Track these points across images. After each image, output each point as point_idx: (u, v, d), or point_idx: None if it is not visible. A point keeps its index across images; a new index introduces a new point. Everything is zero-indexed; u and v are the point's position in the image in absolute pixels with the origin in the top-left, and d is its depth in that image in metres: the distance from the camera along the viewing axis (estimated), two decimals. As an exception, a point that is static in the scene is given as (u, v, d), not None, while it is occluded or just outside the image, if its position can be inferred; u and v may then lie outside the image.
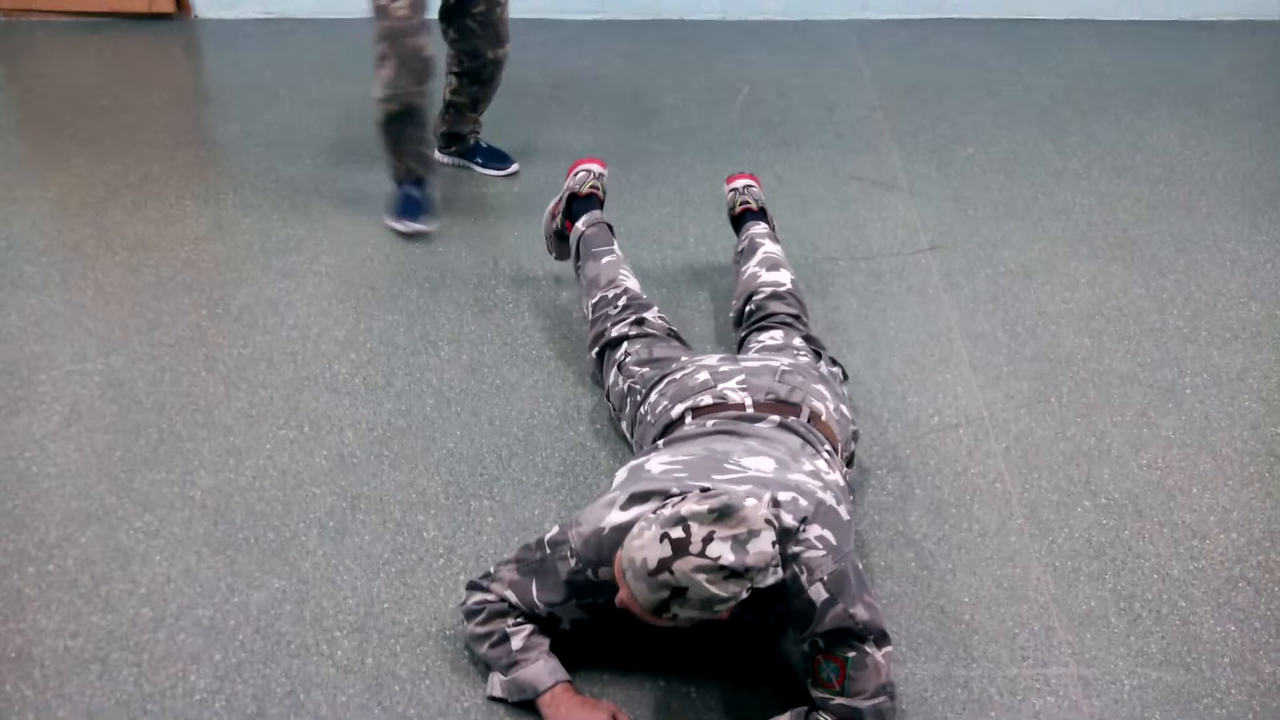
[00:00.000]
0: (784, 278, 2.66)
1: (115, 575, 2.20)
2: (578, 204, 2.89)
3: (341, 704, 1.96)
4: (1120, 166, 3.76)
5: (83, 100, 4.12)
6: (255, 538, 2.29)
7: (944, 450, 2.53)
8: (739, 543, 1.64)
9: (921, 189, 3.60)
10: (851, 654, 1.78)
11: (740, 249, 2.85)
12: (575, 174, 2.97)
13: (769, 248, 2.78)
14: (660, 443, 2.13)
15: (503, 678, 1.93)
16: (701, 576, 1.63)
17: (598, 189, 2.93)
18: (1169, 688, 2.01)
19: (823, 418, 2.16)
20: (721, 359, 2.33)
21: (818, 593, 1.76)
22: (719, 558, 1.63)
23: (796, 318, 2.56)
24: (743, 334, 2.59)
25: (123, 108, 4.06)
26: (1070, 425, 2.61)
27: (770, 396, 2.17)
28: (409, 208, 3.30)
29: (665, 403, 2.26)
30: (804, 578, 1.77)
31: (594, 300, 2.64)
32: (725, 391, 2.19)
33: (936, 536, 2.30)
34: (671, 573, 1.63)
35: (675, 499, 1.75)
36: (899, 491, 2.41)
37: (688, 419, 2.17)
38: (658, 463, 1.99)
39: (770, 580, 1.69)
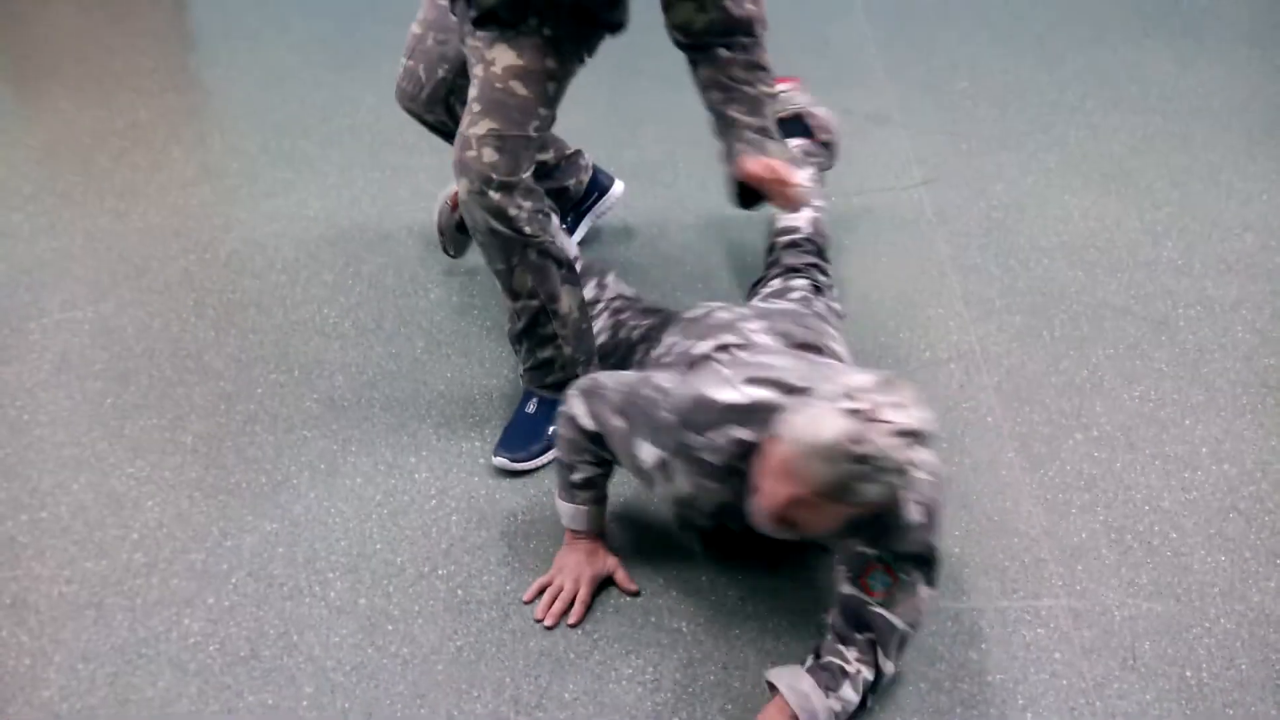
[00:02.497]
0: (802, 219, 2.57)
1: (108, 521, 2.21)
2: None
3: (334, 644, 1.97)
4: (1116, 97, 3.72)
5: (68, 46, 4.07)
6: (247, 482, 2.29)
7: (935, 385, 2.52)
8: (906, 409, 1.58)
9: (915, 122, 3.56)
10: (906, 579, 1.79)
11: None
12: None
13: None
14: (731, 344, 2.03)
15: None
16: (889, 443, 1.55)
17: None
18: (1159, 618, 2.02)
19: (842, 360, 2.13)
20: (724, 306, 2.25)
21: (912, 514, 1.74)
22: (900, 423, 1.56)
23: (811, 265, 2.49)
24: (756, 280, 2.54)
25: (108, 53, 4.02)
26: (1062, 358, 2.61)
27: (794, 342, 2.09)
28: None
29: (687, 341, 2.14)
30: (906, 494, 1.74)
31: None
32: (749, 333, 2.09)
33: (927, 471, 2.31)
34: (859, 444, 1.54)
35: (821, 382, 1.66)
36: (890, 427, 2.40)
37: (719, 355, 2.07)
38: (763, 355, 1.94)
39: (918, 470, 1.65)
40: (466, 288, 2.83)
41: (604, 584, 2.08)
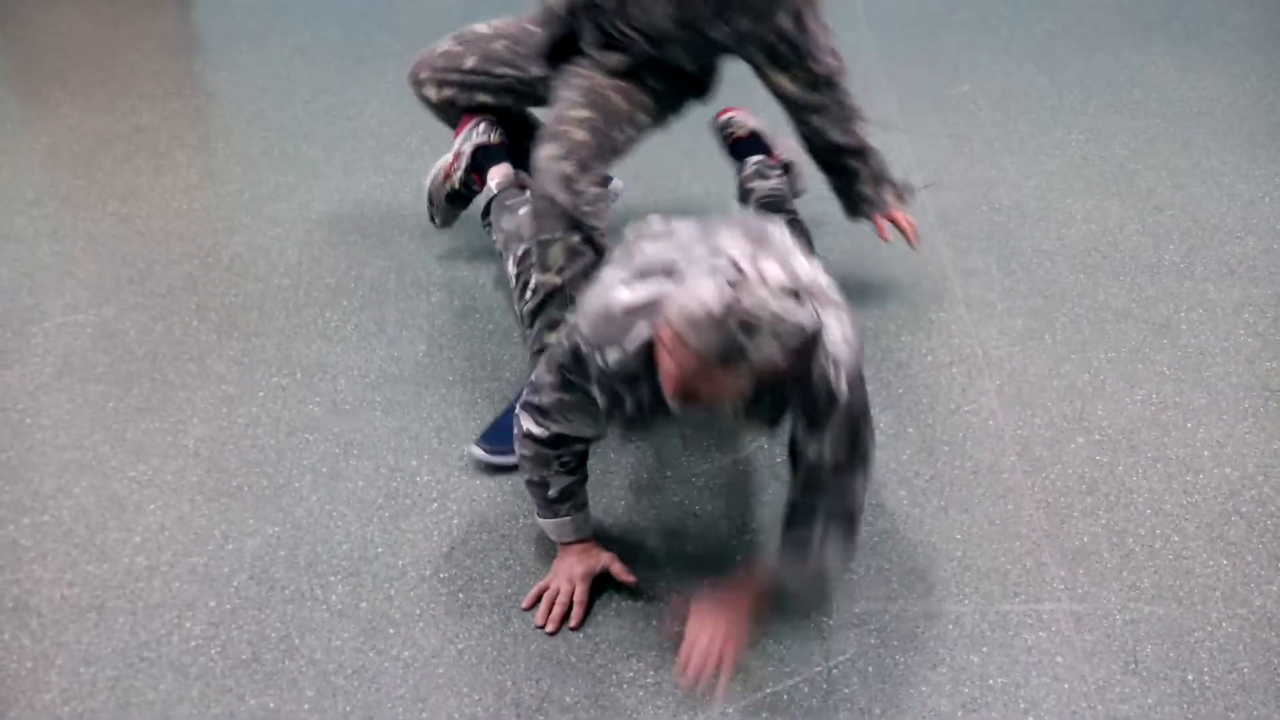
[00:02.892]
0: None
1: (110, 525, 2.21)
2: (487, 156, 2.71)
3: (336, 648, 1.97)
4: (1117, 102, 3.72)
5: (71, 50, 4.08)
6: (249, 485, 2.30)
7: (937, 388, 2.52)
8: (784, 262, 1.57)
9: (917, 127, 3.57)
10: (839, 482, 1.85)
11: (739, 196, 2.83)
12: (477, 124, 2.74)
13: (760, 191, 2.74)
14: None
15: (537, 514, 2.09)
16: (771, 302, 1.53)
17: (503, 138, 2.73)
18: (1161, 621, 2.02)
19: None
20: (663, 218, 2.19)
21: (841, 389, 1.74)
22: (777, 279, 1.54)
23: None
24: None
25: (111, 57, 4.03)
26: (1064, 362, 2.61)
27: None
28: None
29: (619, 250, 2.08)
30: (830, 368, 1.74)
31: (519, 253, 2.43)
32: (674, 229, 1.97)
33: (929, 474, 2.31)
34: (741, 304, 1.53)
35: (701, 250, 1.64)
36: (891, 430, 2.41)
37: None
38: (650, 246, 1.88)
39: (807, 323, 1.61)
40: (469, 291, 2.83)
41: (604, 583, 2.08)
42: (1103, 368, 2.59)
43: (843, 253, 2.95)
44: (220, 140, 3.52)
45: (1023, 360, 2.61)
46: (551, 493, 2.01)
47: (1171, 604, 2.05)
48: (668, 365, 1.65)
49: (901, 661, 1.94)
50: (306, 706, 1.88)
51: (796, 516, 1.90)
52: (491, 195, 2.65)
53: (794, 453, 1.87)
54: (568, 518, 2.04)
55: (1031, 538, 2.17)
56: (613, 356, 1.78)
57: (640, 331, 1.75)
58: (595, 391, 1.85)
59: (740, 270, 1.54)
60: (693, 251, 1.70)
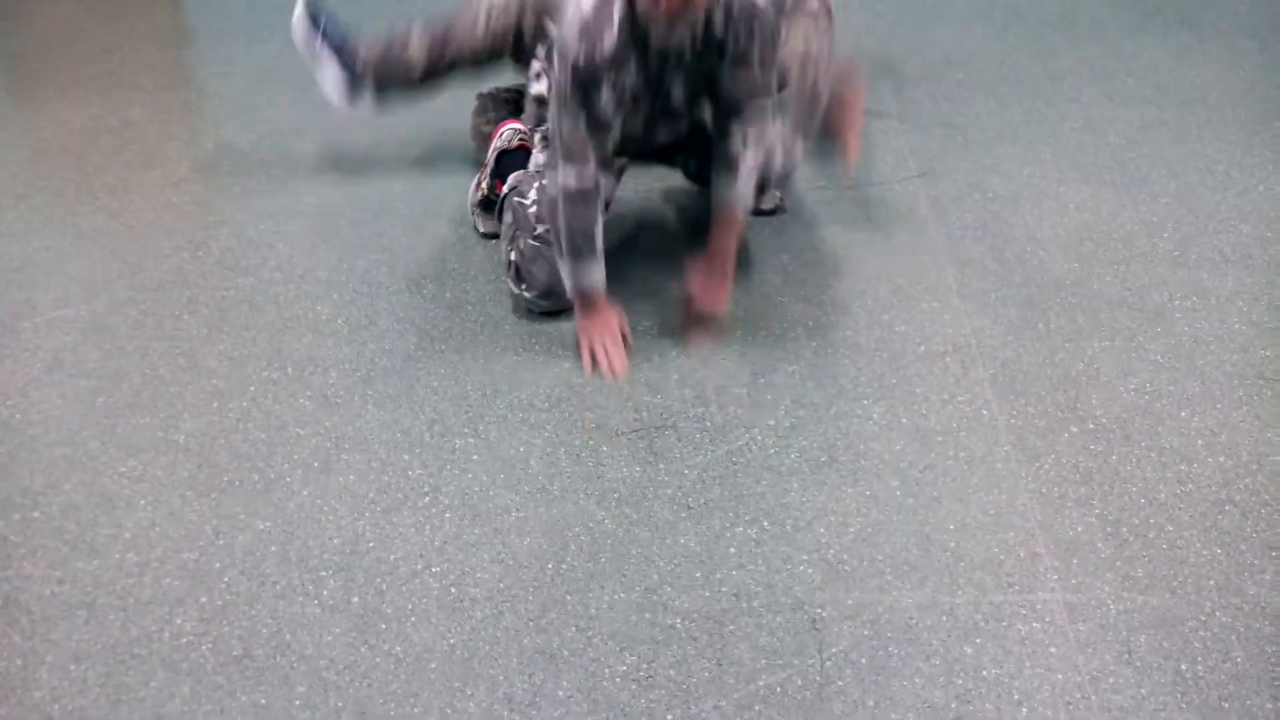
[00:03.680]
0: None
1: (100, 521, 2.20)
2: (509, 161, 2.87)
3: (328, 643, 1.96)
4: (1111, 89, 3.71)
5: (61, 43, 4.06)
6: (240, 480, 2.29)
7: (930, 378, 2.52)
8: None
9: (911, 115, 3.56)
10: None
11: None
12: (500, 134, 2.95)
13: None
14: None
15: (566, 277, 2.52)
16: None
17: (527, 142, 2.91)
18: (1154, 611, 2.01)
19: None
20: None
21: (760, 3, 2.24)
22: None
23: None
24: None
25: (102, 50, 4.01)
26: (1058, 351, 2.60)
27: None
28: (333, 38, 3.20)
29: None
30: None
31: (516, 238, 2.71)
32: None
33: (922, 464, 2.30)
34: None
35: None
36: (885, 420, 2.40)
37: None
38: None
39: None
40: (461, 284, 2.82)
41: (600, 567, 2.06)
42: (1096, 357, 2.58)
43: (836, 243, 2.94)
44: (210, 134, 3.51)
45: (1016, 349, 2.60)
46: (597, 241, 2.44)
47: (1165, 594, 2.04)
48: None
49: (895, 653, 1.94)
50: (298, 703, 1.87)
51: (723, 143, 2.41)
52: (501, 196, 2.78)
53: (719, 83, 2.34)
54: (601, 262, 2.47)
55: (1025, 528, 2.17)
56: (607, 44, 2.21)
57: (614, 12, 2.20)
58: (601, 97, 2.27)
59: None
60: None
